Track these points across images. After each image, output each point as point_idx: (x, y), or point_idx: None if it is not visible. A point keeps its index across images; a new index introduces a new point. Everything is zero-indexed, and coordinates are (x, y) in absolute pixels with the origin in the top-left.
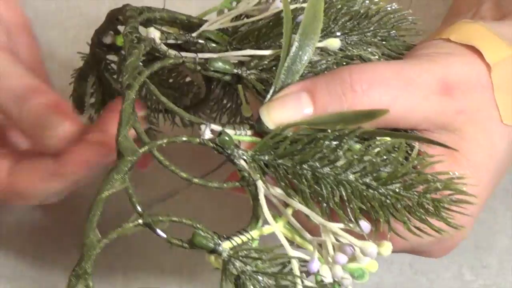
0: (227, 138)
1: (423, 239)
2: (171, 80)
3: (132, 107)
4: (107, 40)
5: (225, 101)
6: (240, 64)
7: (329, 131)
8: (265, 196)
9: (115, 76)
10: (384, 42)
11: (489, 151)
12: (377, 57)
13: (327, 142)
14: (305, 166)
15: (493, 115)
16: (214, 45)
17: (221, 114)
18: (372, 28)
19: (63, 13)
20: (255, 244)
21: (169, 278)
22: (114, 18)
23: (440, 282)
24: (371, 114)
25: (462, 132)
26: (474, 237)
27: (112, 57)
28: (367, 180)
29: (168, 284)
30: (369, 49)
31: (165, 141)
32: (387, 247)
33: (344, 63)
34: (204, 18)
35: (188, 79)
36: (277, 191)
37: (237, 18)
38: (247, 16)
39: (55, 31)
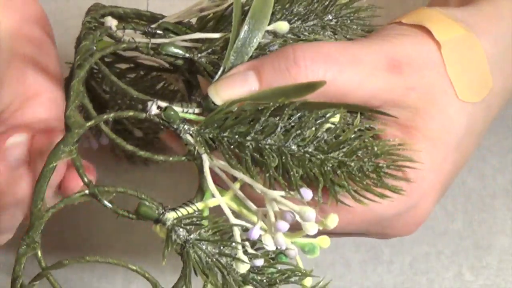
0: (172, 113)
1: (376, 210)
2: (157, 88)
3: (81, 84)
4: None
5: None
6: (194, 49)
7: (271, 103)
8: (212, 171)
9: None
10: (342, 26)
11: (445, 125)
12: (333, 40)
13: (268, 114)
14: (248, 138)
15: (447, 91)
16: (172, 35)
17: None
18: (330, 13)
19: (63, 13)
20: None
21: (169, 278)
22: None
23: (440, 282)
24: (310, 86)
25: (416, 108)
26: (474, 237)
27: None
28: (309, 149)
29: (168, 284)
30: (326, 33)
31: (111, 115)
32: (332, 219)
33: None
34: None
35: (174, 86)
36: (222, 163)
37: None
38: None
39: (55, 31)
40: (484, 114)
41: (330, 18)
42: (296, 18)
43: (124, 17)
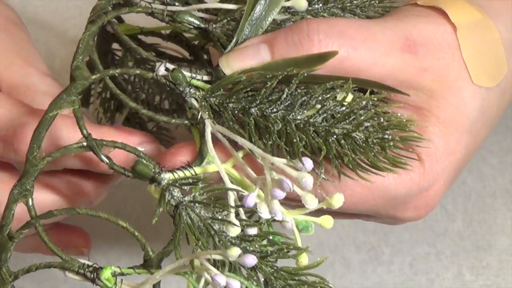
0: (179, 75)
1: (387, 189)
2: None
3: (92, 39)
4: (110, 28)
5: None
6: (209, 20)
7: (279, 72)
8: (216, 138)
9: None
10: (363, 8)
11: (459, 109)
12: None
13: (275, 82)
14: (253, 105)
15: (462, 74)
16: (189, 3)
17: None
18: None
19: (63, 13)
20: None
21: (169, 278)
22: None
23: (440, 282)
24: (322, 57)
25: (430, 90)
26: (474, 237)
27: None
28: (315, 119)
29: (167, 283)
30: (346, 15)
31: (117, 71)
32: (337, 199)
33: None
34: None
35: None
36: (225, 129)
37: None
38: None
39: (55, 31)
40: (498, 99)
41: (350, 0)
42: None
43: None
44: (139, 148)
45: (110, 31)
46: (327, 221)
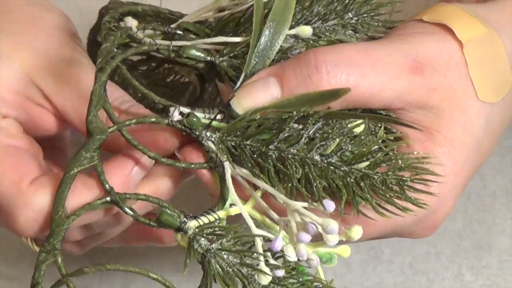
0: (194, 119)
1: (397, 220)
2: (168, 80)
3: (103, 88)
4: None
5: (218, 100)
6: (215, 52)
7: (295, 112)
8: (235, 179)
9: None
10: (363, 24)
11: (466, 127)
12: (353, 40)
13: (292, 123)
14: (271, 147)
15: (468, 91)
16: (192, 36)
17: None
18: (350, 12)
19: None
20: (223, 225)
21: (169, 278)
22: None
23: (440, 282)
24: (335, 94)
25: (438, 109)
26: (474, 237)
27: None
28: (333, 160)
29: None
30: (347, 33)
31: (133, 121)
32: (356, 231)
33: None
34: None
35: (185, 78)
36: (244, 172)
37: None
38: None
39: None
40: (501, 113)
41: (351, 16)
42: (316, 18)
43: (142, 15)
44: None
45: (101, 41)
46: (345, 250)
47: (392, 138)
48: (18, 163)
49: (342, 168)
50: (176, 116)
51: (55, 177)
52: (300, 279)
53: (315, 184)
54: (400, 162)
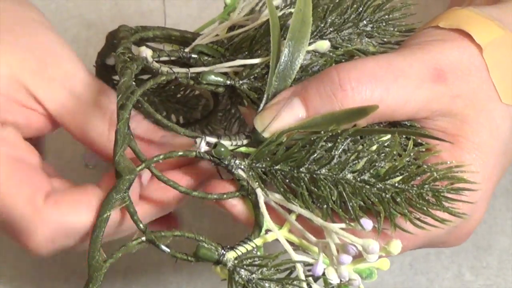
0: (222, 149)
1: (433, 231)
2: (179, 95)
3: (127, 126)
4: (110, 61)
5: (233, 111)
6: (234, 74)
7: (323, 132)
8: (268, 204)
9: None
10: (379, 30)
11: (492, 132)
12: (371, 48)
13: (321, 144)
14: (302, 169)
15: (491, 95)
16: (207, 58)
17: (231, 123)
18: (365, 19)
19: (63, 13)
20: (260, 252)
21: (169, 278)
22: (113, 40)
23: (440, 282)
24: (362, 112)
25: (463, 116)
26: (474, 237)
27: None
28: (365, 177)
29: (168, 284)
30: (364, 41)
31: (161, 157)
32: (395, 245)
33: (336, 62)
34: (200, 32)
35: (195, 92)
36: (277, 197)
37: (231, 29)
38: (241, 27)
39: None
40: None
41: (365, 23)
42: (331, 29)
43: (152, 40)
44: None
45: (111, 64)
46: (384, 263)
47: (423, 150)
48: (30, 178)
49: (377, 186)
50: (204, 147)
51: (68, 192)
52: None
53: (350, 204)
54: (435, 174)
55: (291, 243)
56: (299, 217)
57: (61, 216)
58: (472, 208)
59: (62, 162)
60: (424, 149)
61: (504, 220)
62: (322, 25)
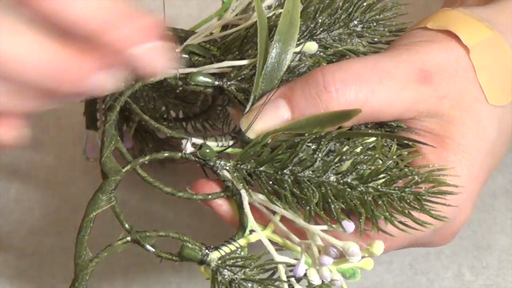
0: (207, 151)
1: (417, 233)
2: (178, 91)
3: (114, 127)
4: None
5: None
6: (222, 75)
7: (307, 135)
8: (252, 204)
9: None
10: (369, 30)
11: (479, 133)
12: (361, 48)
13: (305, 146)
14: (286, 171)
15: (478, 96)
16: (198, 58)
17: (229, 118)
18: (355, 19)
19: None
20: (244, 253)
21: (169, 278)
22: None
23: (440, 282)
24: (345, 115)
25: (449, 117)
26: (474, 237)
27: None
28: (348, 179)
29: (167, 284)
30: (354, 41)
31: (146, 158)
32: (378, 246)
33: (326, 63)
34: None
35: None
36: (262, 198)
37: (225, 28)
38: (234, 26)
39: None
40: (511, 116)
41: (356, 23)
42: (321, 30)
43: None
44: None
45: None
46: (368, 263)
47: (406, 153)
48: None
49: (359, 188)
50: (189, 149)
51: None
52: None
53: (333, 206)
54: (416, 177)
55: (276, 244)
56: (284, 218)
57: None
58: (456, 210)
59: (62, 162)
60: (407, 152)
61: (504, 220)
62: (312, 25)
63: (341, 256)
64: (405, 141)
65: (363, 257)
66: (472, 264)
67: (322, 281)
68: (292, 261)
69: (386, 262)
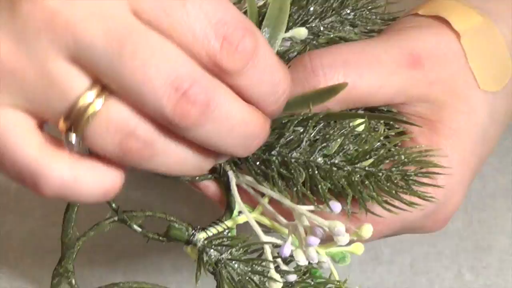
0: None
1: (408, 216)
2: None
3: None
4: None
5: None
6: None
7: (295, 116)
8: (241, 186)
9: None
10: (361, 18)
11: (470, 118)
12: (353, 35)
13: (292, 127)
14: (273, 152)
15: (469, 82)
16: None
17: None
18: (347, 7)
19: None
20: (232, 234)
21: (169, 278)
22: None
23: (440, 282)
24: (332, 90)
25: (440, 102)
26: (474, 237)
27: None
28: (336, 161)
29: (168, 284)
30: (346, 28)
31: None
32: (366, 229)
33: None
34: None
35: None
36: (249, 179)
37: None
38: None
39: None
40: (505, 102)
41: (348, 12)
42: (313, 17)
43: None
44: None
45: None
46: (358, 248)
47: (393, 134)
48: None
49: (346, 168)
50: None
51: None
52: (313, 282)
53: (320, 186)
54: (403, 157)
55: (265, 226)
56: (271, 200)
57: None
58: (447, 193)
59: None
60: (394, 133)
61: (504, 220)
62: (304, 13)
63: (330, 240)
64: (393, 122)
65: (352, 241)
66: (472, 264)
67: (309, 263)
68: (279, 242)
69: (386, 262)
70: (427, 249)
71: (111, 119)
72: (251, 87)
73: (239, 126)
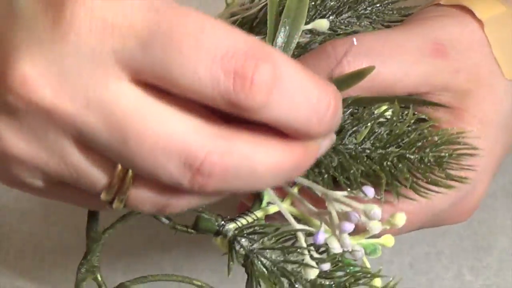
0: None
1: (437, 203)
2: None
3: None
4: None
5: None
6: None
7: None
8: None
9: None
10: (378, 13)
11: (495, 106)
12: (370, 29)
13: None
14: None
15: (493, 70)
16: None
17: None
18: (364, 2)
19: None
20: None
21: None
22: None
23: (440, 282)
24: (359, 74)
25: (465, 90)
26: (474, 237)
27: None
28: (366, 145)
29: (168, 283)
30: (362, 23)
31: None
32: (400, 217)
33: None
34: None
35: None
36: None
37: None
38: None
39: None
40: None
41: (364, 7)
42: (330, 13)
43: None
44: None
45: None
46: (389, 240)
47: (420, 116)
48: None
49: (378, 151)
50: None
51: None
52: (347, 271)
53: (352, 171)
54: (436, 138)
55: (294, 218)
56: (301, 190)
57: None
58: (474, 178)
59: None
60: (420, 116)
61: (504, 220)
62: (320, 8)
63: (361, 229)
64: (421, 105)
65: (381, 234)
66: (472, 264)
67: (343, 251)
68: (312, 230)
69: (386, 262)
70: (427, 249)
71: (142, 197)
72: (285, 117)
73: (266, 172)
